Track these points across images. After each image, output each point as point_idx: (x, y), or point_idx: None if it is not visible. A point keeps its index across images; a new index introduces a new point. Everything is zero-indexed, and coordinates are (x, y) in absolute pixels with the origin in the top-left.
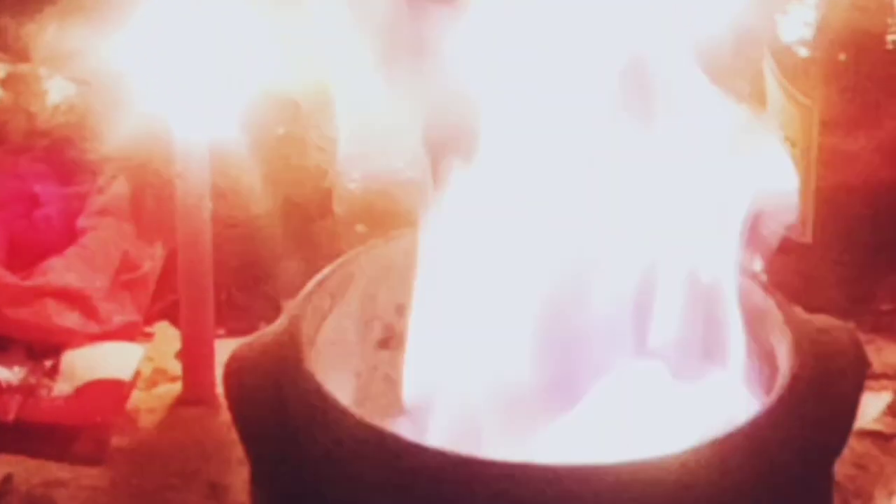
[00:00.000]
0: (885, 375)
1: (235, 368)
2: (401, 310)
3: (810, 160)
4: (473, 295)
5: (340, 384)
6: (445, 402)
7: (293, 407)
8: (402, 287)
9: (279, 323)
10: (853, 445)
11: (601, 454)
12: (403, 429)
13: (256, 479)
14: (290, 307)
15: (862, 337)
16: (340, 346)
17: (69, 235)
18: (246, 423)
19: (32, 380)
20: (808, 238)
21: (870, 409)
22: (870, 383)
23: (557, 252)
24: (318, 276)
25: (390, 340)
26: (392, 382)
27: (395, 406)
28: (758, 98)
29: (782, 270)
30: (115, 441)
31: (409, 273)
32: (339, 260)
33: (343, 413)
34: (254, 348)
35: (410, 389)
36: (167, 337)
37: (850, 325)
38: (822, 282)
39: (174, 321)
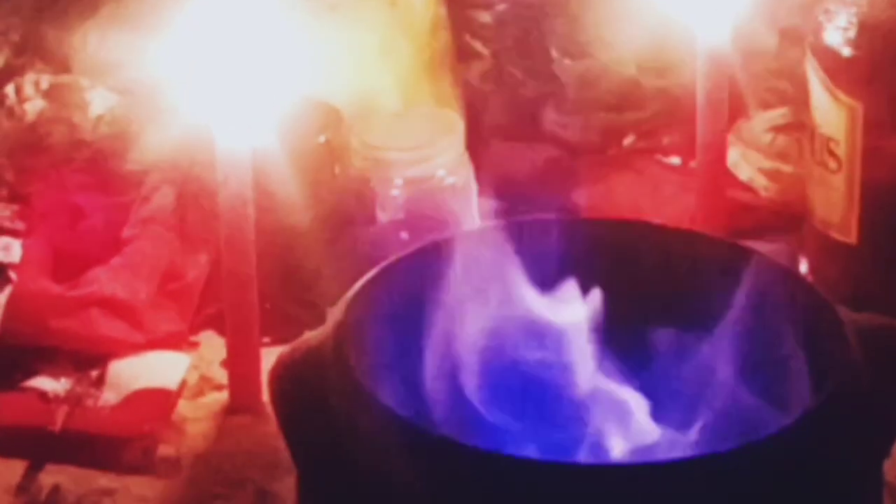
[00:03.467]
0: None
1: (280, 373)
2: (444, 314)
3: (855, 160)
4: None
5: (385, 388)
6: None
7: (339, 411)
8: (443, 292)
9: (323, 328)
10: None
11: (646, 453)
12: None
13: (303, 485)
14: (333, 312)
15: None
16: (384, 351)
17: (113, 246)
18: (292, 427)
19: (79, 390)
20: (853, 238)
21: None
22: None
23: None
24: (362, 281)
25: (431, 346)
26: (435, 388)
27: (439, 408)
28: (801, 99)
29: (828, 271)
30: (162, 450)
31: (452, 279)
32: (382, 265)
33: (389, 416)
34: (298, 353)
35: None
36: (213, 346)
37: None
38: (867, 282)
39: (220, 330)
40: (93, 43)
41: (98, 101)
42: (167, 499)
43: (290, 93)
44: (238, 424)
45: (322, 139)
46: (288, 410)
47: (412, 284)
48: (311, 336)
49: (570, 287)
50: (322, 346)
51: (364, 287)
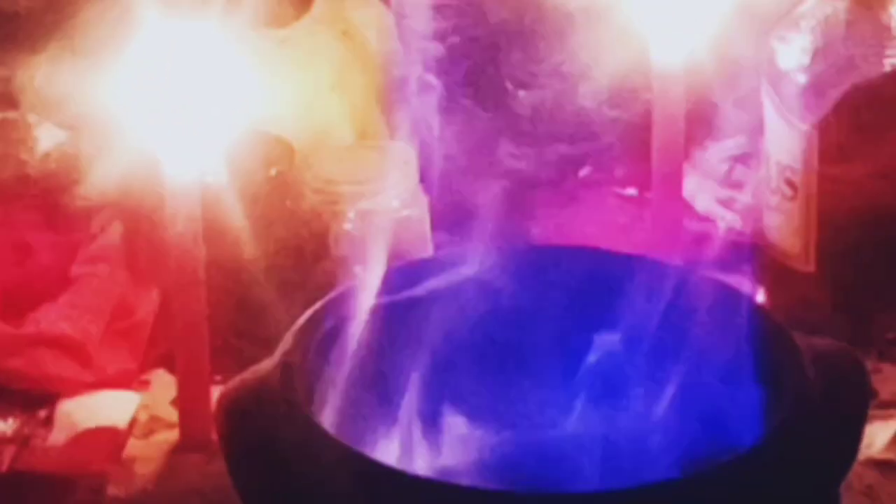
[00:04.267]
0: (892, 404)
1: (226, 406)
2: (392, 345)
3: (811, 187)
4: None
5: (333, 419)
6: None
7: (286, 443)
8: (391, 321)
9: (270, 359)
10: (862, 474)
11: (600, 480)
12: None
13: None
14: (282, 342)
15: (868, 366)
16: (332, 382)
17: (63, 283)
18: (238, 460)
19: (27, 430)
20: (810, 267)
21: (878, 438)
22: (877, 412)
23: None
24: (309, 311)
25: (381, 377)
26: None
27: (390, 441)
28: (757, 128)
29: (785, 300)
30: (112, 490)
31: (400, 308)
32: (330, 295)
33: (336, 447)
34: (245, 385)
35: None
36: (164, 384)
37: (852, 348)
38: (824, 310)
39: (171, 368)
40: (40, 79)
41: (46, 138)
42: None
43: (240, 126)
44: (189, 463)
45: (273, 172)
46: (234, 443)
47: (361, 314)
48: (257, 368)
49: (524, 312)
50: (269, 378)
51: (311, 317)
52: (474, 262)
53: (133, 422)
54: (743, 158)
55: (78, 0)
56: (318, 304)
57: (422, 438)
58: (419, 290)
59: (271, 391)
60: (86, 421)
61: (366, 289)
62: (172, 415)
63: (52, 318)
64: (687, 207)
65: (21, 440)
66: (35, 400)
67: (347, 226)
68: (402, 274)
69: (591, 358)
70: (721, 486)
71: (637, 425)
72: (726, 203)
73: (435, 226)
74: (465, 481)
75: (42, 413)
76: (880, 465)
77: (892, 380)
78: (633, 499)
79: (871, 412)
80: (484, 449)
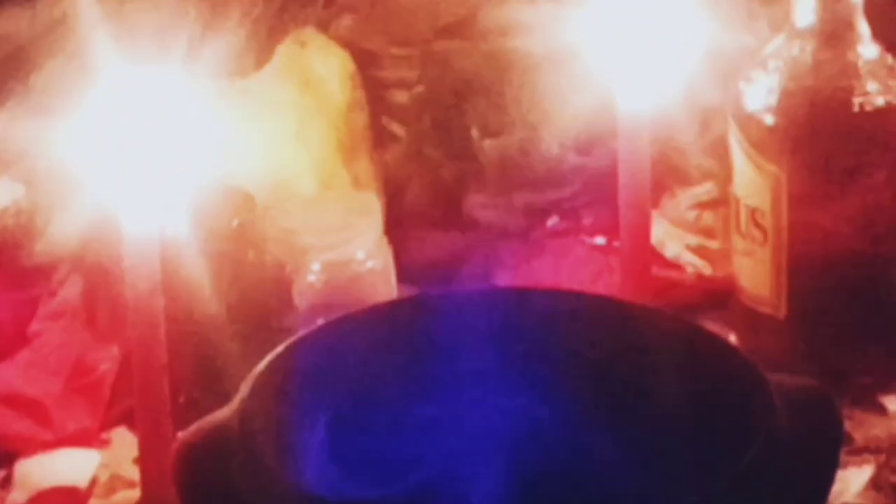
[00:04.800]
0: (866, 449)
1: (184, 452)
2: (351, 394)
3: (781, 230)
4: None
5: (292, 467)
6: None
7: (244, 491)
8: (351, 367)
9: (228, 407)
10: None
11: None
12: None
13: None
14: (240, 390)
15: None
16: (291, 429)
17: (21, 341)
18: None
19: None
20: (782, 312)
21: (852, 483)
22: (851, 458)
23: None
24: (268, 358)
25: (339, 422)
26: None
27: (350, 486)
28: (726, 175)
29: (756, 345)
30: None
31: (360, 354)
32: (288, 342)
33: (294, 493)
34: (202, 433)
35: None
36: (125, 442)
37: (822, 385)
38: (797, 356)
39: (132, 425)
40: None
41: (2, 193)
42: None
43: (200, 178)
44: None
45: (235, 223)
46: (191, 490)
47: (320, 361)
48: (215, 415)
49: (487, 357)
50: (226, 425)
51: (270, 364)
52: (428, 308)
53: (94, 481)
54: (712, 205)
55: (37, 54)
56: (276, 351)
57: (381, 481)
58: (376, 337)
59: (229, 438)
60: (45, 480)
61: (324, 335)
62: (134, 473)
63: (9, 377)
64: (656, 255)
65: None
66: None
67: (311, 277)
68: (360, 320)
69: (553, 396)
70: None
71: (600, 467)
72: (696, 250)
73: (400, 277)
74: None
75: (1, 473)
76: None
77: (865, 425)
78: None
79: (844, 458)
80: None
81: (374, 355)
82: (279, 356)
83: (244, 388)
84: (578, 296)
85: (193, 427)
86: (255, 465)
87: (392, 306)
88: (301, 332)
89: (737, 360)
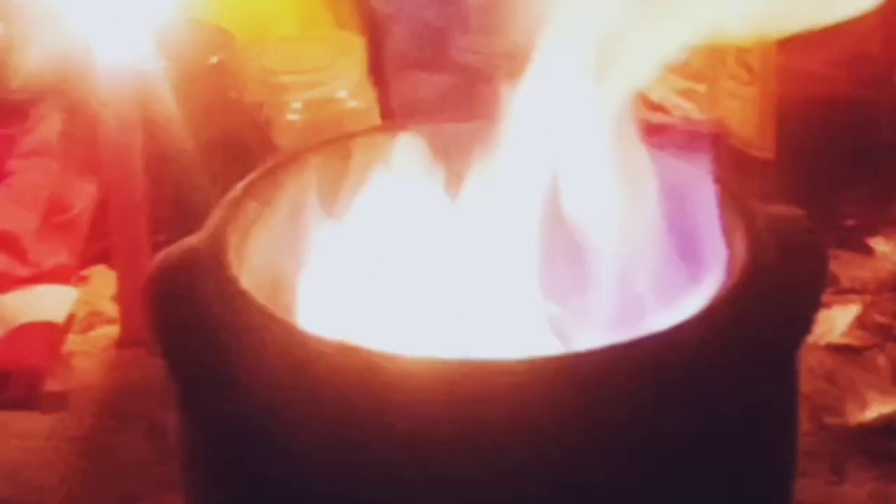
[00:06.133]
0: (852, 290)
1: (155, 275)
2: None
3: (769, 73)
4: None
5: (264, 289)
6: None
7: (215, 312)
8: (328, 193)
9: (202, 231)
10: (822, 359)
11: (542, 346)
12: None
13: (178, 391)
14: (212, 215)
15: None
16: (266, 253)
17: None
18: (165, 327)
19: None
20: (769, 153)
21: (838, 323)
22: (837, 297)
23: None
24: (243, 182)
25: (314, 247)
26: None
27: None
28: None
29: (745, 186)
30: (50, 385)
31: (338, 181)
32: (264, 166)
33: (265, 316)
34: (174, 255)
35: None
36: (104, 279)
37: (806, 214)
38: (784, 197)
39: (111, 264)
40: None
41: None
42: (53, 433)
43: (178, 16)
44: (128, 358)
45: (214, 60)
46: (162, 312)
47: (296, 187)
48: (187, 240)
49: (472, 186)
50: (198, 249)
51: (244, 189)
52: (408, 136)
53: (71, 317)
54: (700, 49)
55: None
56: (250, 177)
57: (351, 307)
58: (359, 164)
59: (200, 261)
60: (22, 316)
61: (300, 161)
62: (112, 310)
63: None
64: (641, 98)
65: None
66: None
67: (292, 116)
68: (339, 149)
69: (543, 225)
70: (675, 348)
71: (589, 292)
72: (683, 93)
73: (383, 118)
74: (398, 348)
75: None
76: (840, 349)
77: (851, 265)
78: (582, 363)
79: (830, 298)
80: (417, 315)
81: (349, 183)
82: (251, 183)
83: (217, 212)
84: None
85: (165, 251)
86: (225, 285)
87: (370, 133)
88: (273, 159)
89: (723, 189)
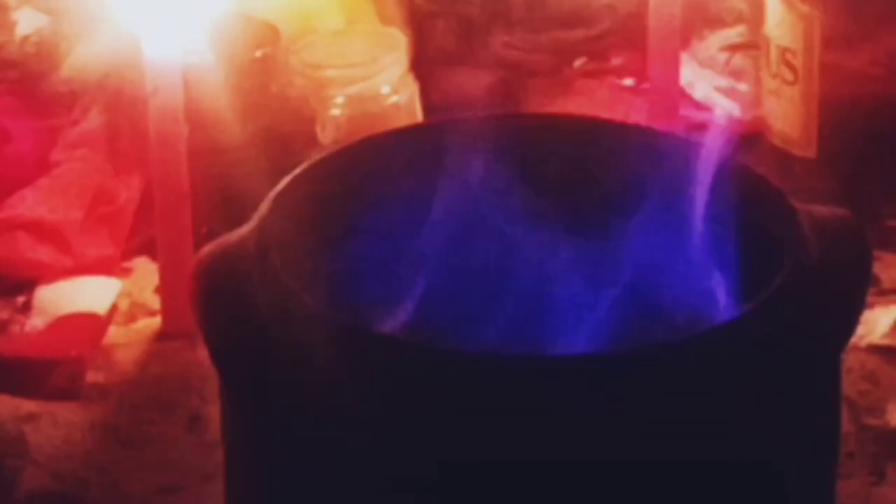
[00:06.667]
0: (893, 290)
1: (201, 268)
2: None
3: (812, 72)
4: None
5: (308, 283)
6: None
7: (259, 303)
8: (375, 188)
9: (248, 224)
10: (864, 360)
11: (579, 346)
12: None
13: (224, 382)
14: (259, 208)
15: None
16: (310, 247)
17: (42, 169)
18: (211, 319)
19: (4, 316)
20: (811, 152)
21: (879, 324)
22: (878, 298)
23: None
24: (289, 177)
25: (361, 243)
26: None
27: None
28: (756, 11)
29: (785, 186)
30: (92, 376)
31: (385, 176)
32: (311, 160)
33: (309, 308)
34: (221, 248)
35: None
36: (146, 272)
37: (852, 215)
38: (826, 197)
39: (154, 256)
40: None
41: (25, 22)
42: (95, 424)
43: (225, 9)
44: (170, 349)
45: (259, 54)
46: (208, 304)
47: (343, 181)
48: (233, 233)
49: (513, 181)
50: (244, 242)
51: (289, 184)
52: (457, 133)
53: (113, 308)
54: (743, 47)
55: None
56: (295, 171)
57: (398, 302)
58: (406, 159)
59: (247, 254)
60: (65, 307)
61: (345, 157)
62: (155, 302)
63: (30, 202)
64: (684, 96)
65: None
66: (13, 286)
67: (335, 111)
68: (387, 141)
69: (585, 223)
70: (715, 350)
71: (630, 290)
72: (726, 91)
73: (426, 114)
74: (447, 344)
75: (20, 299)
76: (882, 350)
77: (892, 267)
78: (627, 362)
79: (871, 299)
80: (468, 311)
81: (396, 179)
82: (298, 177)
83: (263, 207)
84: (605, 123)
85: (211, 244)
86: (271, 281)
87: (415, 130)
88: (322, 153)
89: (766, 189)
